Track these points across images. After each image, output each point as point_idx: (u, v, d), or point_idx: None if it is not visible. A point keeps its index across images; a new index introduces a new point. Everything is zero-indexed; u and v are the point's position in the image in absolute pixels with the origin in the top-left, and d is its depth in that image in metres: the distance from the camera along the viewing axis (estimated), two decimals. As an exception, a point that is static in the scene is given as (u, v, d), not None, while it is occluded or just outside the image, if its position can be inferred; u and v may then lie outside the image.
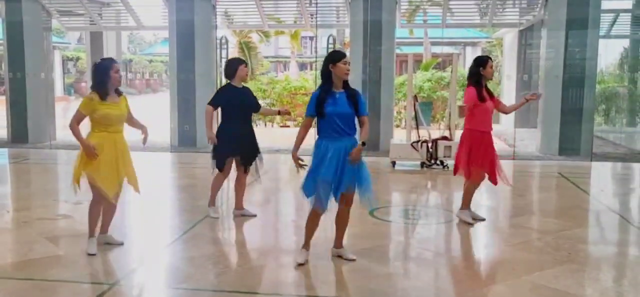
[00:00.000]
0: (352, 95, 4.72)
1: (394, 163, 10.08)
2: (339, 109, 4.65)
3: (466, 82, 6.21)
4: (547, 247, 5.48)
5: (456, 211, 6.41)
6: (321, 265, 4.89)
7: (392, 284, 4.57)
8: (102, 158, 4.91)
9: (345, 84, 4.74)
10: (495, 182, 6.20)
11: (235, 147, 6.18)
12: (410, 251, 5.69)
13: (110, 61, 5.10)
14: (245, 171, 6.35)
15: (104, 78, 4.94)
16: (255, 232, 6.18)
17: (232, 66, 6.25)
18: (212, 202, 6.48)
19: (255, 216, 6.49)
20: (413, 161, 9.94)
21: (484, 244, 5.96)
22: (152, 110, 20.90)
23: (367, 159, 11.04)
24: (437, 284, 4.77)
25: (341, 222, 4.97)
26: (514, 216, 7.01)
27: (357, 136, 4.76)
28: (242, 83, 6.29)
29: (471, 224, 6.16)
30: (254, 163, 6.34)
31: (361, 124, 4.77)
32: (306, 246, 4.95)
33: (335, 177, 4.63)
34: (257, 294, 4.48)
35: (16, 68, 13.23)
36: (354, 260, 4.93)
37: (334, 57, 4.73)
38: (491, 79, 6.17)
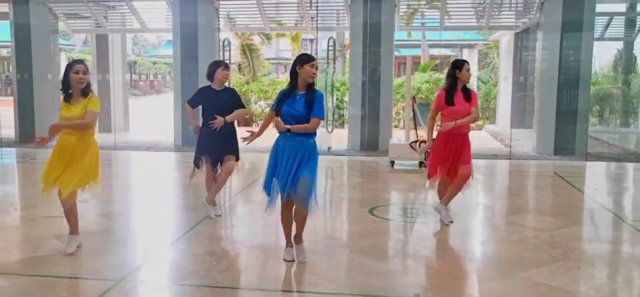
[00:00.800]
0: (309, 98, 4.66)
1: (392, 163, 10.08)
2: (293, 110, 4.62)
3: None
4: (543, 244, 5.48)
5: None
6: (322, 262, 4.89)
7: (391, 281, 4.57)
8: (51, 156, 4.91)
9: (309, 86, 4.70)
10: (451, 182, 6.15)
11: (209, 147, 6.21)
12: (408, 248, 5.68)
13: (73, 63, 4.93)
14: (214, 168, 6.36)
15: (65, 79, 4.85)
16: (256, 230, 6.18)
17: (211, 69, 6.27)
18: (212, 203, 6.47)
19: (220, 215, 6.43)
20: (411, 160, 9.94)
21: (481, 241, 5.95)
22: (156, 110, 20.92)
23: (367, 159, 11.11)
24: (435, 281, 4.76)
25: (298, 218, 4.79)
26: (511, 214, 7.01)
27: (316, 139, 4.76)
28: (224, 85, 6.30)
29: (451, 222, 6.16)
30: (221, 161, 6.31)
31: (309, 121, 4.62)
32: (288, 243, 4.93)
33: (287, 175, 4.61)
34: (259, 290, 4.47)
35: (24, 69, 13.25)
36: (304, 262, 4.81)
37: (302, 59, 4.71)
38: (467, 82, 6.12)
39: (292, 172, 4.61)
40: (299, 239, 4.89)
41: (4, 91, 26.69)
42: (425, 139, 9.63)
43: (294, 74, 4.70)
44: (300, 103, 4.64)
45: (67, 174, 4.85)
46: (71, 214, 5.02)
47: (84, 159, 4.87)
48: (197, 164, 6.34)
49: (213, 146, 6.20)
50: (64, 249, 4.99)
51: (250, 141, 4.95)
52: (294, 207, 4.74)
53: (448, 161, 6.01)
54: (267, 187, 4.73)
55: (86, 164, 4.88)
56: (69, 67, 4.85)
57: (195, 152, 6.37)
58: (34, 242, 5.43)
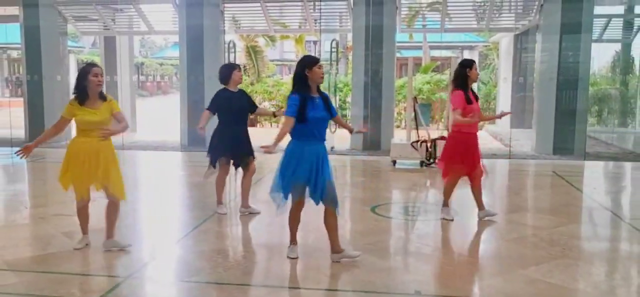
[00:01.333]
0: (326, 101, 4.66)
1: (394, 162, 10.08)
2: (318, 114, 4.58)
3: (452, 85, 6.10)
4: (542, 242, 5.48)
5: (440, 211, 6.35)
6: (325, 259, 4.89)
7: (393, 278, 4.58)
8: (76, 162, 4.83)
9: (318, 88, 4.67)
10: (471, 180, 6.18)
11: (228, 148, 6.21)
12: (410, 246, 5.69)
13: (90, 66, 4.92)
14: (237, 169, 6.39)
15: (82, 83, 4.78)
16: (261, 228, 6.19)
17: (226, 71, 6.26)
18: (219, 201, 6.49)
19: (259, 213, 6.47)
20: (413, 160, 9.93)
21: (481, 239, 5.95)
22: (163, 111, 20.97)
23: (369, 158, 11.11)
24: (436, 278, 4.77)
25: (332, 222, 4.75)
26: (510, 212, 7.00)
27: (326, 143, 4.75)
28: (238, 86, 6.30)
29: (452, 220, 6.16)
30: (248, 161, 6.34)
31: (339, 122, 5.20)
32: (293, 241, 4.92)
33: (309, 180, 4.58)
34: (263, 287, 4.49)
35: (33, 71, 13.30)
36: (358, 255, 4.83)
37: (310, 62, 4.61)
38: (476, 81, 6.13)
39: (317, 175, 4.57)
40: (338, 247, 4.79)
41: (14, 92, 26.79)
42: (426, 138, 9.78)
43: (303, 79, 4.57)
44: (320, 106, 4.60)
45: (113, 176, 4.89)
46: (86, 214, 5.10)
47: (115, 158, 4.96)
48: (214, 163, 6.31)
49: (231, 147, 6.21)
50: (124, 247, 5.07)
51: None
52: (325, 212, 4.71)
53: (469, 161, 6.00)
54: (287, 190, 4.63)
55: (116, 160, 4.98)
56: (86, 71, 4.82)
57: (211, 152, 6.29)
58: (44, 240, 5.46)
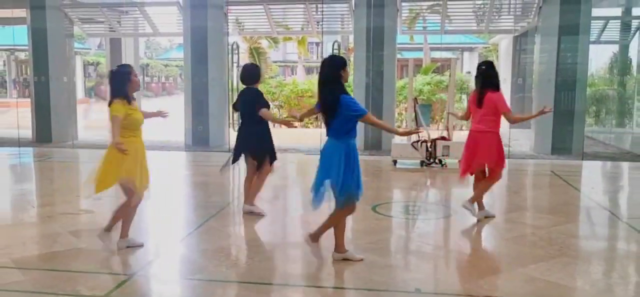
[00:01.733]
0: None
1: (395, 162, 10.07)
2: None
3: (484, 88, 5.80)
4: (541, 241, 5.46)
5: (467, 208, 6.13)
6: (327, 258, 4.88)
7: (394, 276, 4.57)
8: (135, 161, 4.76)
9: None
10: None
11: (272, 146, 6.28)
12: (410, 245, 5.68)
13: (127, 67, 4.96)
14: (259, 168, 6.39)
15: (125, 84, 4.78)
16: (264, 227, 6.18)
17: (258, 71, 6.27)
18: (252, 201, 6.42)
19: (263, 214, 6.37)
20: (413, 159, 9.92)
21: (480, 238, 5.94)
22: (168, 111, 20.97)
23: (370, 158, 11.10)
24: (436, 276, 4.76)
25: (340, 222, 4.75)
26: (509, 211, 6.98)
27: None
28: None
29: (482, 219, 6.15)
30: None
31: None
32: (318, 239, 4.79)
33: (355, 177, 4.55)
34: (266, 285, 4.48)
35: (41, 72, 13.32)
36: (362, 259, 4.78)
37: (343, 62, 4.54)
38: None
39: (358, 174, 4.57)
40: (343, 247, 4.76)
41: (22, 93, 26.86)
42: (426, 138, 9.77)
43: (338, 78, 4.44)
44: None
45: (145, 172, 4.94)
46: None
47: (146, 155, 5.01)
48: (272, 161, 6.28)
49: (273, 145, 6.29)
50: (138, 245, 5.10)
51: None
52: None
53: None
54: (347, 193, 4.50)
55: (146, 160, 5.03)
56: (127, 72, 4.84)
57: (265, 151, 6.21)
58: (51, 238, 5.46)
